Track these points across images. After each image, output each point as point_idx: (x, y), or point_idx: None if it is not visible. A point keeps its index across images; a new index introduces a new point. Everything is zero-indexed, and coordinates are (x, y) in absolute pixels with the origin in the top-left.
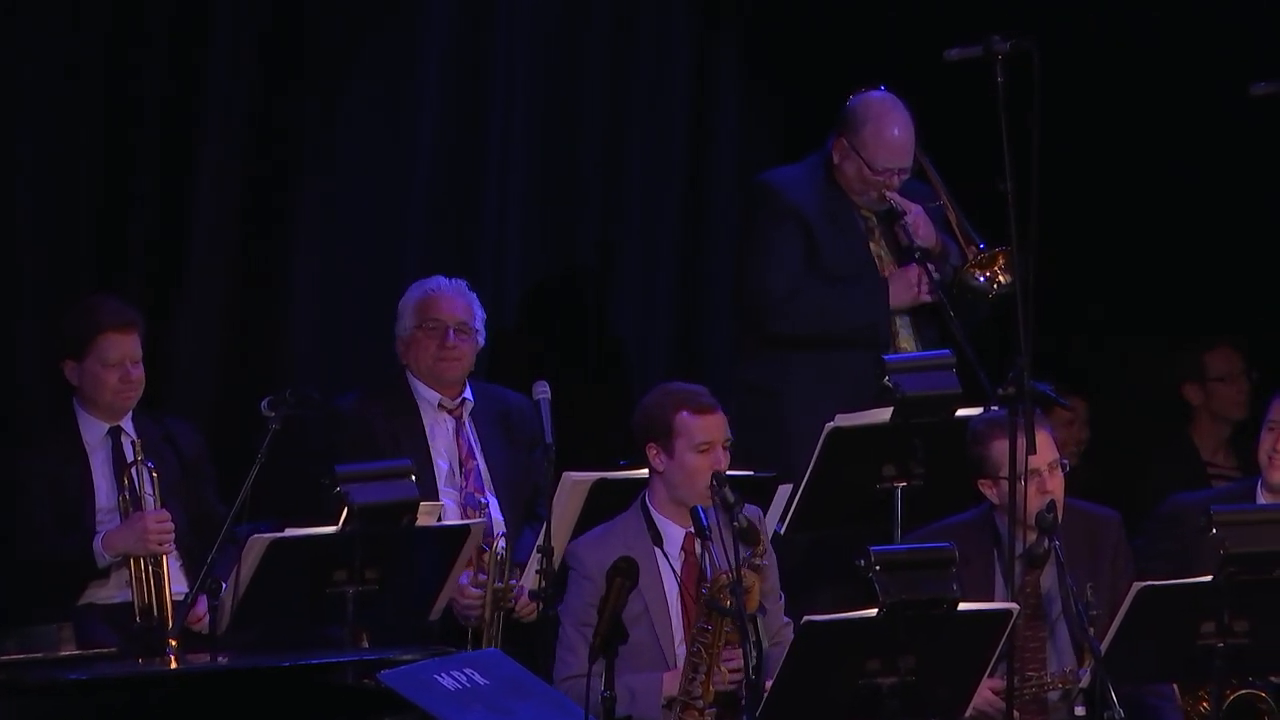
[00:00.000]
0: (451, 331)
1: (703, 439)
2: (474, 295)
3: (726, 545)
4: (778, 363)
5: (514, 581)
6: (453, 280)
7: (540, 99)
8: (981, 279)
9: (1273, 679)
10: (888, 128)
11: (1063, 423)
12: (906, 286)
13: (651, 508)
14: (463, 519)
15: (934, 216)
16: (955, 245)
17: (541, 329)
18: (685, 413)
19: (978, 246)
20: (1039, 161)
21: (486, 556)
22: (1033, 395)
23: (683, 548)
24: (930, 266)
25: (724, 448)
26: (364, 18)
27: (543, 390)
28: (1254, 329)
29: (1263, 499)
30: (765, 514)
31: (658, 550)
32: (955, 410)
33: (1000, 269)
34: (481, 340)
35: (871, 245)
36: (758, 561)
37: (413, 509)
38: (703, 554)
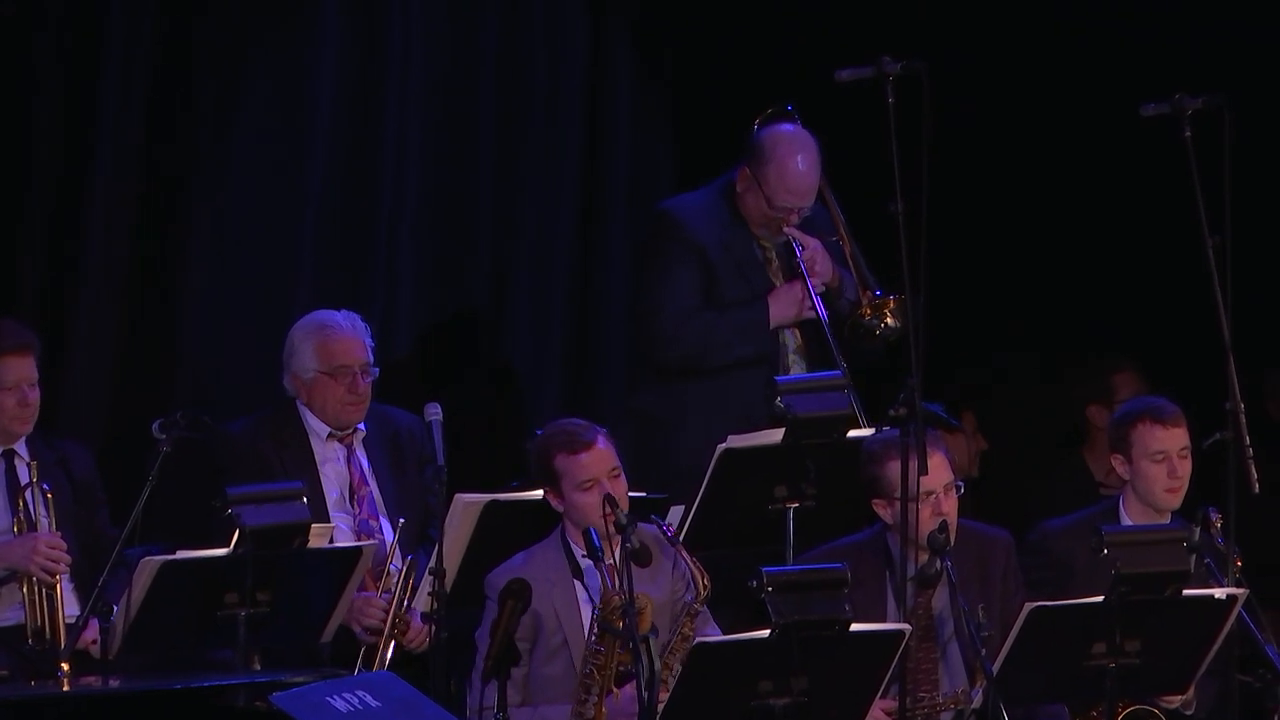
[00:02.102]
0: (359, 376)
1: (583, 478)
2: (365, 326)
3: (619, 566)
4: (671, 393)
5: (408, 609)
6: (346, 315)
7: (432, 125)
8: (870, 318)
9: (1163, 700)
10: (791, 167)
11: (959, 438)
12: (790, 302)
13: (570, 541)
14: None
15: (832, 250)
16: (851, 279)
17: (434, 352)
18: (561, 455)
19: (873, 292)
20: (930, 182)
21: (394, 578)
22: (924, 416)
23: (601, 596)
24: (811, 282)
25: (610, 478)
26: (255, 47)
27: (434, 412)
28: (1143, 349)
29: (1127, 519)
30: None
31: (576, 583)
32: (847, 431)
33: (889, 312)
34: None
35: (770, 276)
36: (698, 608)
37: (304, 531)
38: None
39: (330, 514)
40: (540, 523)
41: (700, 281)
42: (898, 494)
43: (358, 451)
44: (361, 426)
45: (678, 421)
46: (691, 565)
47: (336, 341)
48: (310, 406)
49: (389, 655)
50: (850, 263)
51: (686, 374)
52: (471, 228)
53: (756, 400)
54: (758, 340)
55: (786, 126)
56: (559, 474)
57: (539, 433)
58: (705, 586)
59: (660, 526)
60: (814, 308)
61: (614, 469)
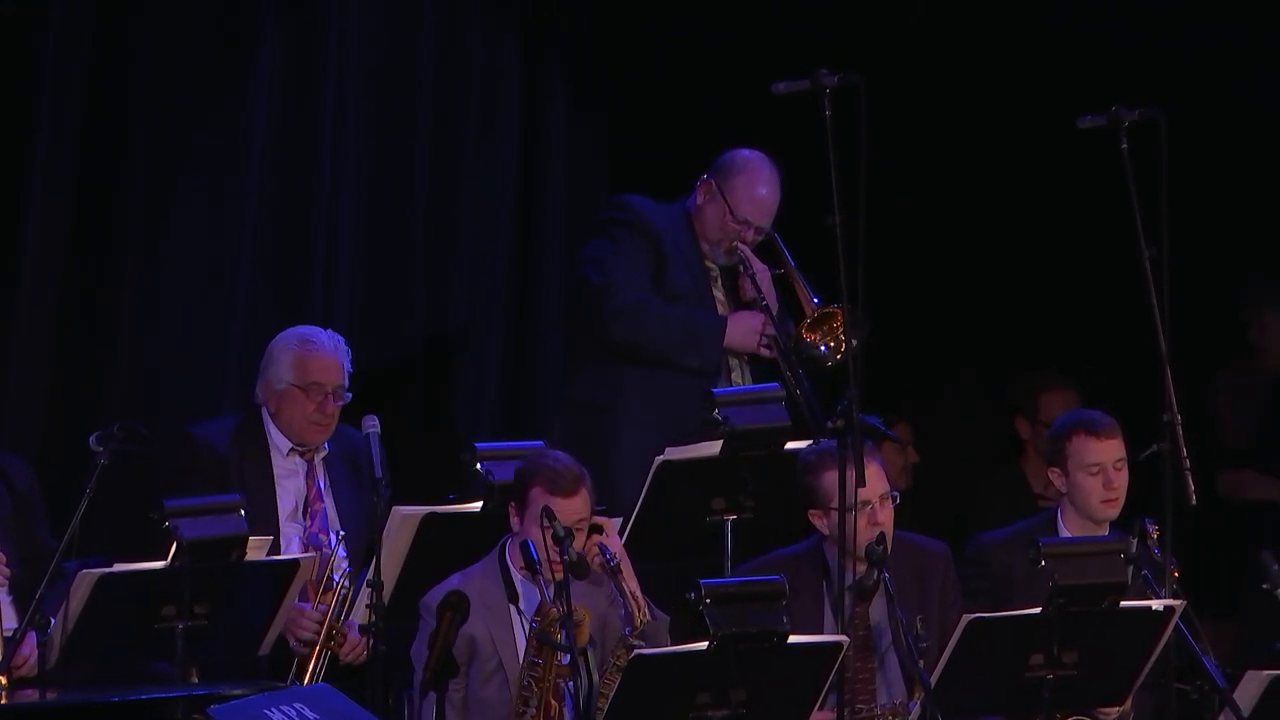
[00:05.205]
0: (331, 397)
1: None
2: (347, 350)
3: (554, 578)
4: (608, 379)
5: (345, 621)
6: (330, 335)
7: (369, 145)
8: (823, 349)
9: (1100, 711)
10: (760, 182)
11: (892, 449)
12: (748, 331)
13: (510, 564)
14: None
15: (776, 284)
16: (791, 322)
17: (372, 365)
18: (539, 489)
19: (813, 301)
20: (868, 195)
21: (332, 592)
22: (862, 428)
23: (538, 609)
24: (773, 321)
25: (576, 529)
26: (194, 70)
27: (372, 424)
28: (1081, 361)
29: (1065, 531)
30: None
31: (512, 608)
32: (784, 443)
33: (838, 329)
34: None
35: (713, 292)
36: (634, 641)
37: (242, 543)
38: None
39: (282, 525)
40: (478, 535)
41: (652, 266)
42: (833, 504)
43: (318, 468)
44: (325, 445)
45: (615, 409)
46: (629, 599)
47: (315, 358)
48: (276, 418)
49: (322, 667)
50: (798, 293)
51: (629, 355)
52: (409, 245)
53: (695, 392)
54: (707, 354)
55: (755, 151)
56: (529, 502)
57: (522, 463)
58: (642, 620)
59: (605, 554)
60: (770, 346)
61: (581, 520)
